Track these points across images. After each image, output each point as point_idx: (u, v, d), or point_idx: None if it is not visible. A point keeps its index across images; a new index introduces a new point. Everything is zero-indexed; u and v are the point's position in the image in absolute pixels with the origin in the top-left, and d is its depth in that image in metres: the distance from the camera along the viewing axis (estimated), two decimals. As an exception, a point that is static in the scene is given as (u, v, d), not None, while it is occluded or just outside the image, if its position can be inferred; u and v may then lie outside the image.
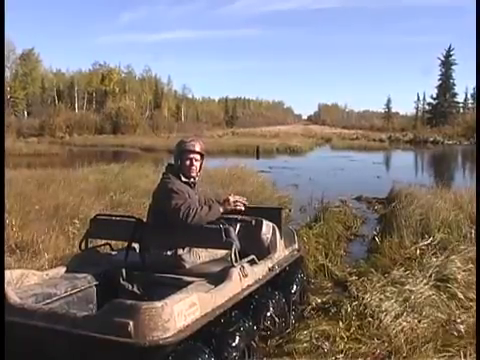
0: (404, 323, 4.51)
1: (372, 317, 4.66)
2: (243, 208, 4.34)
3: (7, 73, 66.63)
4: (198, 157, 4.32)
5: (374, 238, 7.76)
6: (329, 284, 6.03)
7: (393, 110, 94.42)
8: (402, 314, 4.67)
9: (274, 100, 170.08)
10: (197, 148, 4.30)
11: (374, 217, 10.69)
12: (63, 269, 4.22)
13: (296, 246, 5.29)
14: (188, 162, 4.28)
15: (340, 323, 4.57)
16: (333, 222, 8.85)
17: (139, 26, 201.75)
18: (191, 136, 4.75)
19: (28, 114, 73.41)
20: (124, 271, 4.07)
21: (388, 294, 5.11)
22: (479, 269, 5.40)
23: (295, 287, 4.96)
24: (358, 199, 12.94)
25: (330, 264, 6.59)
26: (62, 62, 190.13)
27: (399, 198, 10.37)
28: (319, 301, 5.24)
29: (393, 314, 4.67)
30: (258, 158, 32.79)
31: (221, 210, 4.19)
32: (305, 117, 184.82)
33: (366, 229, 9.31)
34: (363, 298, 5.02)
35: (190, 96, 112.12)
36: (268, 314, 4.28)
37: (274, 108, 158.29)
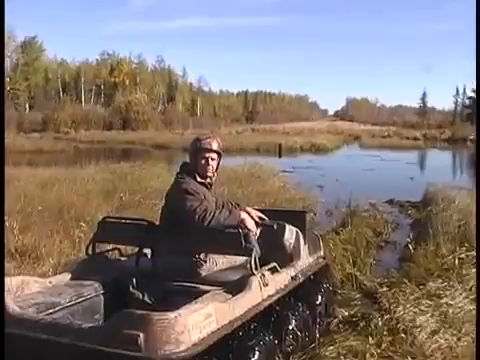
0: (441, 340, 4.45)
1: (405, 333, 4.61)
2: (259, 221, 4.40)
3: (7, 63, 67.05)
4: (215, 156, 4.32)
5: (407, 245, 7.70)
6: (357, 295, 5.98)
7: (429, 105, 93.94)
8: (439, 330, 4.61)
9: (298, 94, 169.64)
10: (214, 146, 4.30)
11: (407, 222, 10.61)
12: (68, 276, 4.24)
13: (321, 253, 5.27)
14: (204, 161, 4.28)
15: (370, 339, 4.53)
16: (362, 227, 8.80)
17: (151, 13, 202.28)
18: (208, 133, 4.74)
19: (30, 107, 74.01)
20: (134, 279, 4.08)
21: (423, 308, 5.06)
22: (479, 269, 5.41)
23: (320, 298, 4.94)
24: (390, 203, 12.85)
25: (358, 273, 6.54)
26: (67, 51, 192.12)
27: (435, 202, 10.28)
28: (346, 314, 5.21)
29: (429, 330, 4.61)
30: (280, 157, 32.77)
31: (242, 217, 4.18)
32: (331, 112, 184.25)
33: (398, 235, 9.25)
34: (395, 311, 4.98)
35: (207, 89, 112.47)
36: (290, 327, 4.26)
37: (298, 103, 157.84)
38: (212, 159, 4.30)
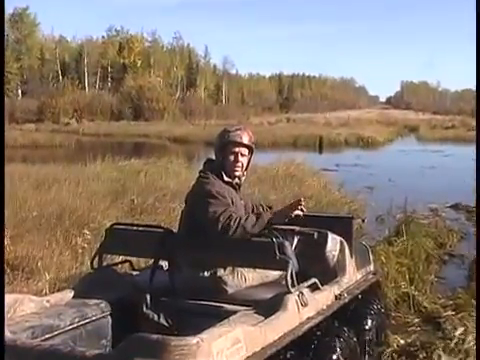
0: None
1: (476, 367, 4.56)
2: (301, 213, 4.31)
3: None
4: (245, 151, 4.33)
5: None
6: (416, 319, 5.93)
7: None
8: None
9: (342, 77, 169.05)
10: (245, 140, 4.31)
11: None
12: (69, 294, 4.27)
13: (371, 268, 5.24)
14: (233, 157, 4.29)
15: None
16: (420, 237, 8.72)
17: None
18: (236, 124, 4.74)
19: (23, 93, 74.59)
20: (148, 296, 4.10)
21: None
22: (479, 269, 5.47)
23: (370, 322, 4.91)
24: (454, 207, 12.72)
25: (417, 293, 6.49)
26: (67, 27, 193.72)
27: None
28: (402, 342, 5.16)
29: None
30: (321, 152, 32.69)
31: (277, 217, 4.18)
32: (383, 99, 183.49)
33: (465, 247, 9.13)
34: (463, 340, 4.92)
35: (233, 72, 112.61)
36: (334, 357, 4.24)
37: (342, 88, 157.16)
38: (242, 155, 4.32)
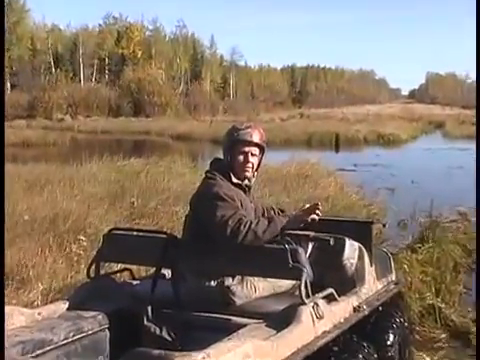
0: None
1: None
2: (317, 218, 4.31)
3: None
4: (256, 150, 4.34)
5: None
6: (442, 335, 5.92)
7: None
8: None
9: (361, 69, 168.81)
10: (255, 138, 4.31)
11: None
12: (63, 305, 4.26)
13: (393, 277, 5.23)
14: (242, 157, 4.29)
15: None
16: (447, 244, 8.70)
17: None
18: (246, 121, 4.74)
19: (12, 87, 74.61)
20: (150, 308, 4.10)
21: None
22: (479, 269, 5.45)
23: (392, 337, 4.89)
24: (485, 211, 12.67)
25: (443, 305, 6.47)
26: (60, 14, 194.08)
27: None
28: (428, 359, 5.15)
29: None
30: (337, 151, 32.67)
31: (292, 222, 4.18)
32: (406, 92, 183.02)
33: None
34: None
35: (242, 63, 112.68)
36: (353, 374, 4.24)
37: (361, 80, 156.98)
38: (252, 155, 4.31)
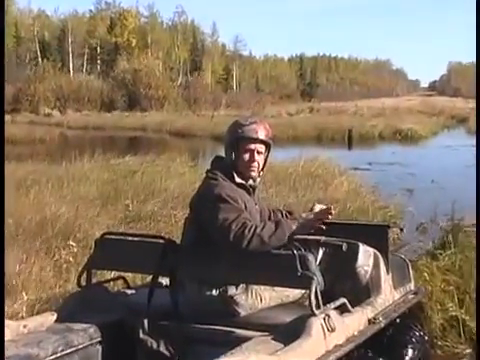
0: None
1: None
2: (323, 227, 4.31)
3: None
4: (261, 148, 4.34)
5: None
6: (467, 350, 5.90)
7: None
8: None
9: (377, 59, 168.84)
10: (261, 135, 4.31)
11: None
12: (51, 317, 4.27)
13: (412, 286, 5.23)
14: (247, 155, 4.30)
15: None
16: (471, 250, 8.67)
17: None
18: (250, 116, 4.74)
19: (-6, 78, 74.79)
20: (146, 320, 4.11)
21: None
22: (479, 269, 5.59)
23: (411, 352, 4.89)
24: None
25: (468, 317, 6.45)
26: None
27: None
28: (451, 377, 5.15)
29: None
30: (350, 148, 32.64)
31: (301, 228, 4.18)
32: (425, 84, 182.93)
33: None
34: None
35: (246, 53, 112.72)
36: (367, 393, 4.25)
37: (377, 71, 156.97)
38: (258, 153, 4.32)
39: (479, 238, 6.37)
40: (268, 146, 4.37)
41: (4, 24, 4.75)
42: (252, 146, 4.29)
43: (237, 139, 4.30)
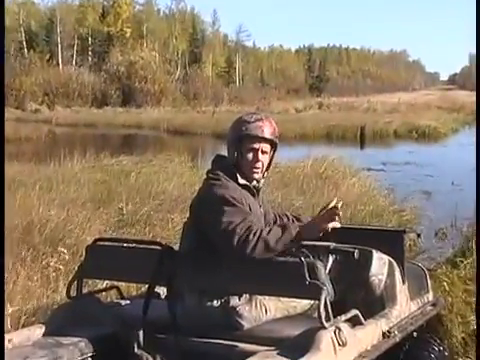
0: None
1: None
2: (338, 225, 4.28)
3: None
4: (267, 147, 4.33)
5: None
6: (491, 367, 5.89)
7: None
8: None
9: (392, 50, 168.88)
10: (267, 133, 4.30)
11: None
12: (38, 331, 4.27)
13: (430, 297, 5.23)
14: (251, 155, 4.29)
15: None
16: (495, 258, 8.68)
17: None
18: (255, 112, 4.71)
19: (-25, 72, 74.97)
20: (141, 333, 4.11)
21: None
22: (479, 269, 5.16)
23: (429, 368, 4.90)
24: None
25: (492, 331, 6.45)
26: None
27: None
28: (473, 398, 5.14)
29: None
30: (363, 147, 32.63)
31: (308, 231, 4.17)
32: (445, 77, 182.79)
33: None
34: None
35: (250, 44, 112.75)
36: None
37: (392, 63, 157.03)
38: (263, 152, 4.31)
39: (479, 239, 6.39)
40: (274, 145, 4.37)
41: (4, 24, 4.81)
42: (257, 145, 4.28)
43: (241, 137, 4.29)
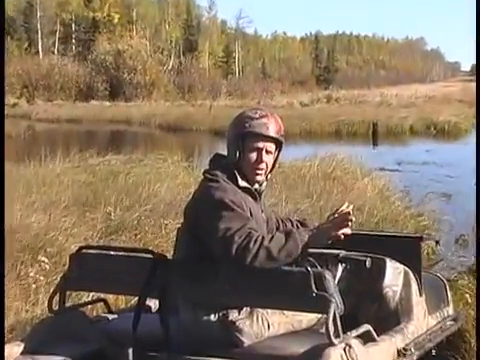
0: None
1: None
2: (349, 231, 4.26)
3: None
4: (271, 147, 4.32)
5: None
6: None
7: None
8: None
9: (407, 37, 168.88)
10: (271, 131, 4.29)
11: None
12: (16, 348, 4.26)
13: (450, 310, 5.23)
14: (254, 155, 4.28)
15: None
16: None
17: None
18: (258, 107, 4.69)
19: None
20: (131, 350, 4.12)
21: None
22: (479, 268, 5.26)
23: (448, 389, 4.91)
24: None
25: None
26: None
27: None
28: None
29: None
30: (375, 145, 32.64)
31: (315, 239, 4.16)
32: (467, 68, 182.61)
33: None
34: None
35: (250, 32, 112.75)
36: None
37: (407, 52, 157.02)
38: (268, 152, 4.30)
39: (479, 241, 6.44)
40: (279, 145, 4.36)
41: (4, 24, 4.84)
42: (261, 144, 4.27)
43: (243, 135, 4.28)
